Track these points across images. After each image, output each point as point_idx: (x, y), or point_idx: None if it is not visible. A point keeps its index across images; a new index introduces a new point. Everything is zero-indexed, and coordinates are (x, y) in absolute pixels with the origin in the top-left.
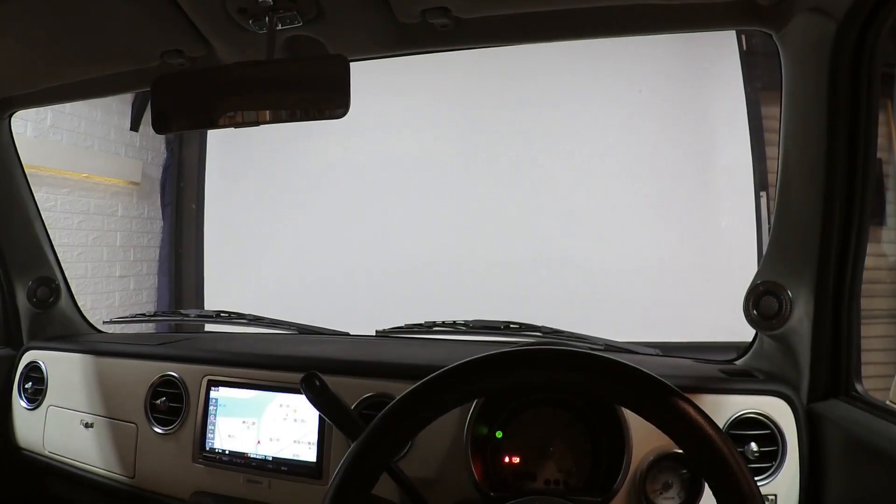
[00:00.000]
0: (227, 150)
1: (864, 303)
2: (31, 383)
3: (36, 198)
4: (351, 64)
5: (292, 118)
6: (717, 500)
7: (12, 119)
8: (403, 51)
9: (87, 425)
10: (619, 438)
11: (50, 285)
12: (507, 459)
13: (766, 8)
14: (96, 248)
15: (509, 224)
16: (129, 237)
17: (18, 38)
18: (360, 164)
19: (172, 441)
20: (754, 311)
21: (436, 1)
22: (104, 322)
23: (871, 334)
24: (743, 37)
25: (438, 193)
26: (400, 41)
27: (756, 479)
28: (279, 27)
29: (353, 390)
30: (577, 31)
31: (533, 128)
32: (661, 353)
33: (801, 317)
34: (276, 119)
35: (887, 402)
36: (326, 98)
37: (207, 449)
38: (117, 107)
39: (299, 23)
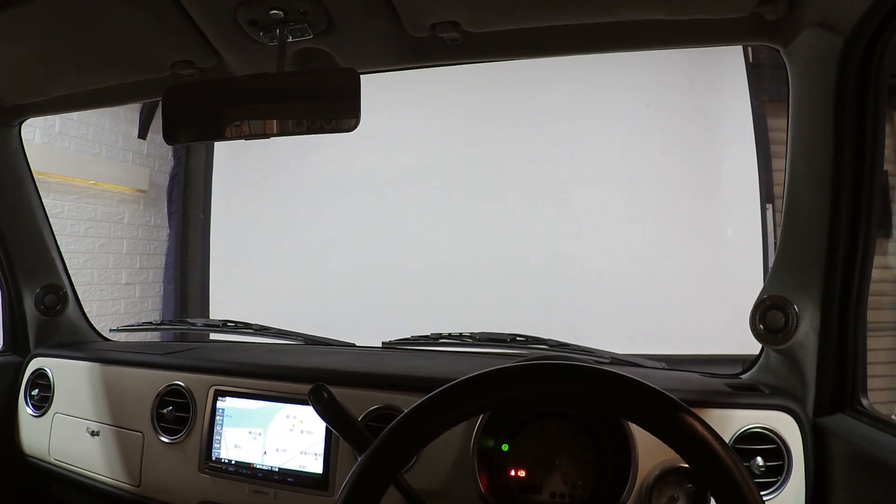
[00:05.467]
0: (234, 158)
1: (870, 315)
2: (37, 390)
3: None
4: (361, 77)
5: (302, 131)
6: None
7: (22, 126)
8: (413, 64)
9: (93, 433)
10: (625, 452)
11: (57, 292)
12: (512, 472)
13: (773, 23)
14: (103, 255)
15: (516, 234)
16: (136, 244)
17: (30, 47)
18: (367, 173)
19: (178, 450)
20: (761, 326)
21: (445, 15)
22: (111, 330)
23: (877, 347)
24: (749, 49)
25: (445, 203)
26: (410, 54)
27: (762, 493)
28: (290, 39)
29: (360, 402)
30: (586, 45)
31: (541, 139)
32: (666, 367)
33: (807, 331)
34: (285, 131)
35: (893, 417)
36: (337, 111)
37: (213, 459)
38: (125, 114)
39: (310, 35)
